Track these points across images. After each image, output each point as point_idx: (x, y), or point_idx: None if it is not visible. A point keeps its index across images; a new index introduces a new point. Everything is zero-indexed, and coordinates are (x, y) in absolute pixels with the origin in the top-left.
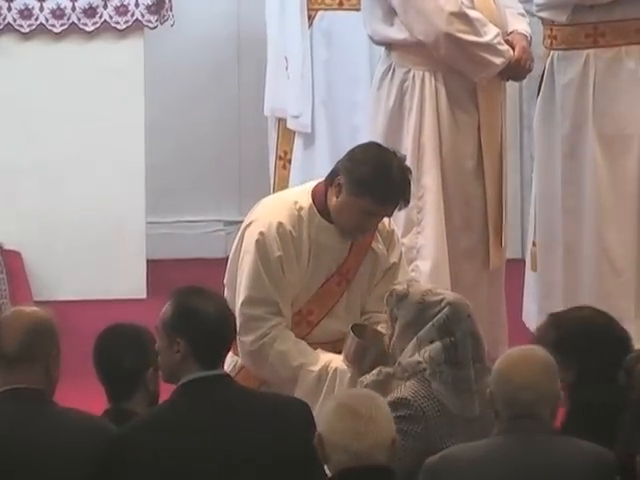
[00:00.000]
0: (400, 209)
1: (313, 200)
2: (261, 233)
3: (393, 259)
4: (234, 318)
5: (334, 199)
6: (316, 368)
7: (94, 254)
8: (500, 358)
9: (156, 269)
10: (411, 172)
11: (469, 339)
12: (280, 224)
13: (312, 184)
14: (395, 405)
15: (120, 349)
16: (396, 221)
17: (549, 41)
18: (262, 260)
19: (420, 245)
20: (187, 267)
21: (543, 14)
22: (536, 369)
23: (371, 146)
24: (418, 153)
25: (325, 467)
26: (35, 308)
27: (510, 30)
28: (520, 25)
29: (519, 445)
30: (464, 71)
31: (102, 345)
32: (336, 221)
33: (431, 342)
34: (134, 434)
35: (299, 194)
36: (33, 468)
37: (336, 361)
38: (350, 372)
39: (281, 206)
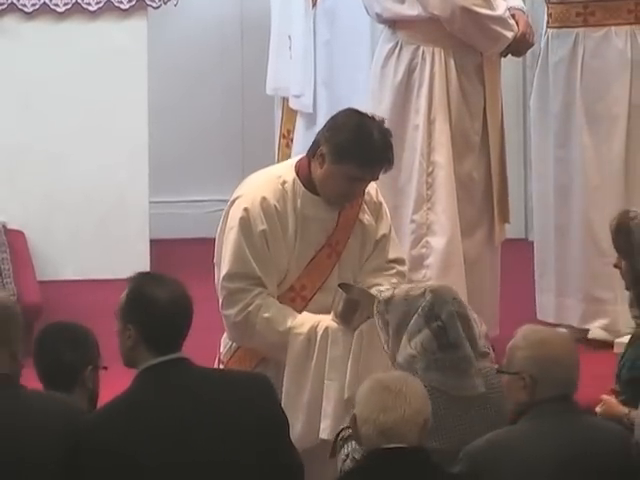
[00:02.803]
0: (385, 171)
1: (297, 174)
2: (245, 209)
3: (382, 231)
4: (190, 305)
5: (318, 170)
6: (304, 330)
7: (97, 234)
8: (530, 343)
9: (159, 248)
10: (391, 134)
11: (457, 320)
12: (264, 199)
13: (296, 159)
14: None
15: (58, 345)
16: (406, 198)
17: (546, 19)
18: (245, 235)
19: (430, 221)
20: (190, 246)
21: None
22: (573, 349)
23: (349, 113)
24: (429, 129)
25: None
26: None
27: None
28: (516, 2)
29: (571, 425)
30: (477, 45)
31: (41, 341)
32: (322, 191)
33: (420, 332)
34: (96, 428)
35: (283, 169)
36: (7, 451)
37: (325, 321)
38: (341, 330)
39: (265, 181)
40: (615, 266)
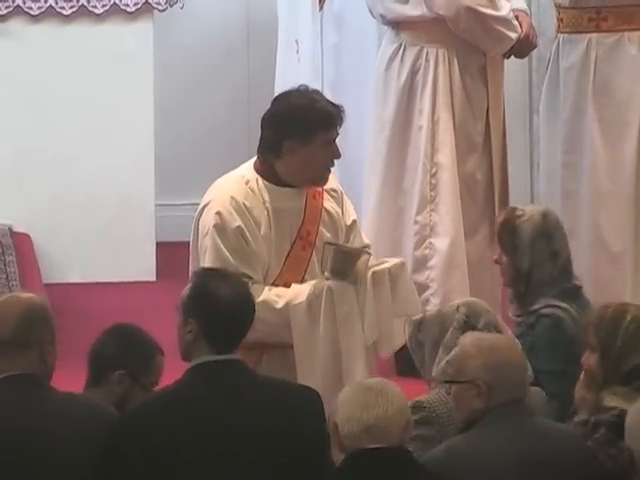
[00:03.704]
0: (341, 124)
1: (257, 172)
2: (217, 213)
3: (351, 217)
4: (253, 305)
5: (292, 163)
6: (303, 299)
7: (103, 236)
8: (481, 350)
9: (165, 251)
10: (320, 91)
11: (493, 330)
12: (232, 198)
13: (253, 159)
14: (411, 410)
15: (107, 339)
16: (410, 199)
17: (557, 24)
18: (221, 237)
19: (434, 222)
20: None
21: None
22: (521, 352)
23: (280, 99)
24: (432, 130)
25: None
26: (31, 294)
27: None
28: (519, 3)
29: (528, 429)
30: (481, 45)
31: (103, 332)
32: (305, 176)
33: (457, 344)
34: (135, 418)
35: (244, 169)
36: (35, 454)
37: (320, 283)
38: (342, 285)
39: (229, 183)
40: (496, 261)
